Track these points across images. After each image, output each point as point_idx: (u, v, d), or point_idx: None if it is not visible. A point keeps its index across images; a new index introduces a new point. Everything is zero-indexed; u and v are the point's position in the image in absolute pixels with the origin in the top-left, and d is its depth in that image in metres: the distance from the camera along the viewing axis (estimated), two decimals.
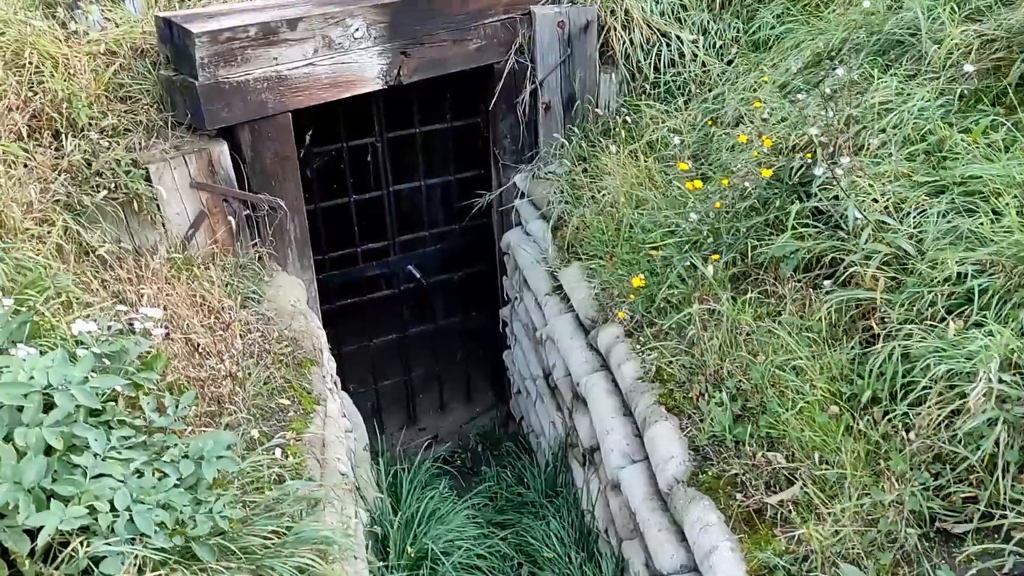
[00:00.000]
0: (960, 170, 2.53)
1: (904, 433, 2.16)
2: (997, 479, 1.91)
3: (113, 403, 2.10)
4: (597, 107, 4.34)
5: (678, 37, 4.18)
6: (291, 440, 2.63)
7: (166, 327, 2.74)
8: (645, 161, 3.82)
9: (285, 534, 2.13)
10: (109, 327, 2.41)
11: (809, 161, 2.74)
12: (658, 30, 4.20)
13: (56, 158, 3.13)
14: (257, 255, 3.58)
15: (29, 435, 1.79)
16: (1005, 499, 1.91)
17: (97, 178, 3.12)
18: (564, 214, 4.02)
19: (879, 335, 2.36)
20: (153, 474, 1.93)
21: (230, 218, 3.48)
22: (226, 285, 3.22)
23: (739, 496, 2.34)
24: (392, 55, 3.82)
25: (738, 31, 4.19)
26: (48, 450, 1.81)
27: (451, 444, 5.43)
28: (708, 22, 4.22)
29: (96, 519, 1.75)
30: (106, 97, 3.37)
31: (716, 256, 2.98)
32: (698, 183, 3.20)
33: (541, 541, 3.61)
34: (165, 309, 2.83)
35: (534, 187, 4.41)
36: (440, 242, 5.14)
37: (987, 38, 2.88)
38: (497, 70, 4.26)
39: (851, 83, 2.99)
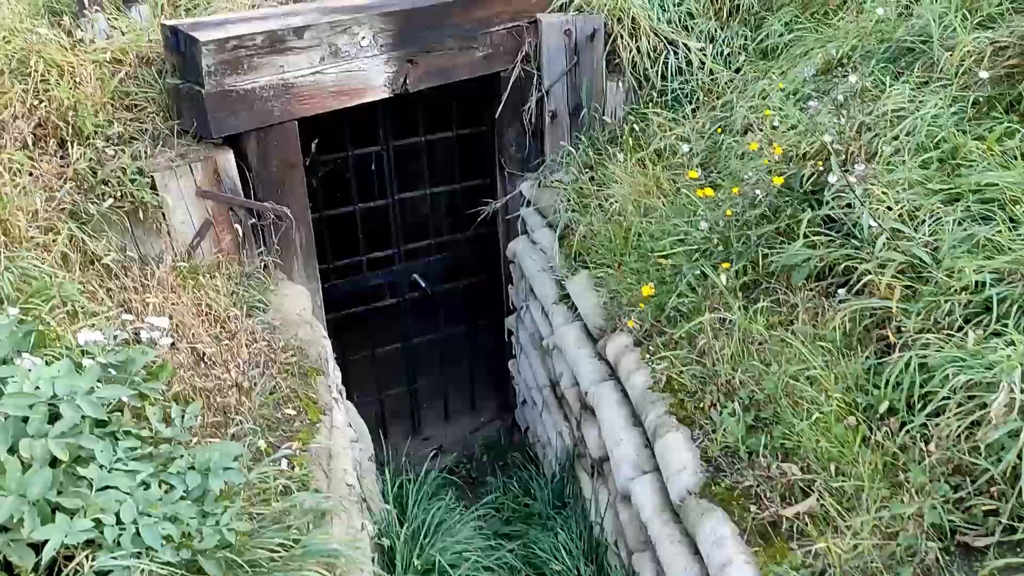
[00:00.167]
0: (975, 177, 2.51)
1: (923, 444, 2.12)
2: (1020, 491, 1.87)
3: (119, 414, 2.07)
4: (604, 115, 4.32)
5: (685, 45, 4.16)
6: (297, 451, 2.60)
7: (172, 336, 2.71)
8: (653, 169, 3.80)
9: (292, 547, 2.09)
10: (115, 336, 2.38)
11: (821, 169, 2.72)
12: (665, 38, 4.19)
13: (62, 166, 3.12)
14: (263, 264, 3.56)
15: (34, 446, 1.76)
16: None
17: (103, 186, 3.11)
18: (571, 222, 4.00)
19: (895, 345, 2.32)
20: (159, 486, 1.90)
21: (236, 226, 3.46)
22: (232, 294, 3.20)
23: (753, 508, 2.30)
24: (399, 63, 3.81)
25: (746, 39, 4.17)
26: (53, 462, 1.78)
27: (456, 454, 5.39)
28: (715, 30, 4.20)
29: (102, 532, 1.71)
30: (112, 105, 3.36)
31: (727, 264, 2.95)
32: (709, 191, 3.17)
33: (549, 553, 3.56)
34: (171, 318, 2.80)
35: (540, 195, 4.39)
36: (445, 251, 5.12)
37: (1000, 45, 2.86)
38: (503, 78, 4.25)
39: (863, 90, 2.97)
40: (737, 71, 4.09)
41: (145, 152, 3.29)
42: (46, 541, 1.64)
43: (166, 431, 2.11)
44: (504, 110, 4.33)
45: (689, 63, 4.15)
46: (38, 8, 3.90)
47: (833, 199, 2.67)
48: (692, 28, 4.23)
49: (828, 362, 2.46)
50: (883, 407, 2.25)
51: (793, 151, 2.95)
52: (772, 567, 2.13)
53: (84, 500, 1.74)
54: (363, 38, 3.66)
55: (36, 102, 3.18)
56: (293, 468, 2.48)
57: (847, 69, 3.30)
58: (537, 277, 4.19)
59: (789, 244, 2.77)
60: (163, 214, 3.24)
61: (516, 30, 4.17)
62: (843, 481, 2.18)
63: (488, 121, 4.52)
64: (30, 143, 3.12)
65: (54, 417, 1.84)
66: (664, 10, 4.22)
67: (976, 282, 2.24)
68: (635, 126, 4.14)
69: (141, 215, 3.18)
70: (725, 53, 4.17)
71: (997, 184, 2.45)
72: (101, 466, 1.83)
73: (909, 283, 2.40)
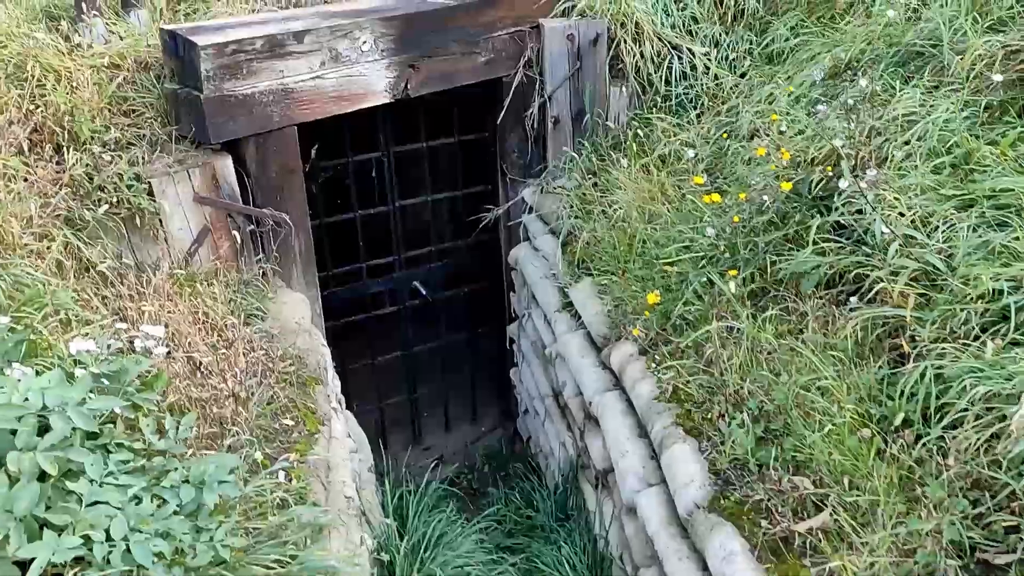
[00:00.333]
0: (990, 183, 2.45)
1: (940, 458, 2.05)
2: None
3: (111, 425, 2.01)
4: (607, 120, 4.27)
5: (689, 50, 4.12)
6: (295, 463, 2.53)
7: (167, 345, 2.65)
8: (657, 175, 3.74)
9: (289, 563, 2.03)
10: (109, 345, 2.32)
11: (831, 174, 2.66)
12: (669, 43, 4.14)
13: (57, 172, 3.07)
14: (261, 271, 3.50)
15: (22, 460, 1.70)
16: None
17: (99, 192, 3.06)
18: (574, 229, 3.94)
19: (909, 354, 2.26)
20: (152, 500, 1.84)
21: (234, 233, 3.40)
22: (229, 302, 3.14)
23: (764, 523, 2.23)
24: (400, 68, 3.77)
25: (751, 44, 4.13)
26: (42, 476, 1.72)
27: (457, 464, 5.33)
28: (720, 35, 4.16)
29: (91, 550, 1.65)
30: (109, 111, 3.31)
31: (734, 272, 2.89)
32: (715, 197, 3.12)
33: (552, 567, 3.49)
34: (167, 327, 2.74)
35: (543, 202, 4.34)
36: (446, 258, 5.06)
37: (1011, 49, 2.81)
38: (506, 84, 4.20)
39: (873, 94, 2.92)
40: (742, 76, 4.05)
41: (142, 158, 3.23)
42: (33, 559, 1.58)
43: (160, 443, 2.05)
44: (506, 115, 4.28)
45: (693, 68, 4.11)
46: (36, 13, 3.87)
47: (843, 205, 2.61)
48: (696, 33, 4.19)
49: (840, 372, 2.40)
50: (898, 419, 2.18)
51: (801, 156, 2.90)
52: None
53: (73, 516, 1.68)
54: (364, 43, 3.62)
55: (32, 107, 3.14)
56: (290, 480, 2.42)
57: (855, 73, 3.25)
58: (539, 284, 4.13)
59: (798, 251, 2.72)
60: (160, 221, 3.19)
61: (519, 35, 4.12)
62: (857, 495, 2.11)
63: (490, 127, 4.47)
64: (26, 148, 3.07)
65: (43, 429, 1.78)
66: (668, 15, 4.18)
67: (992, 290, 2.18)
68: (639, 131, 4.10)
69: (138, 222, 3.13)
70: (730, 58, 4.13)
71: (1012, 189, 2.39)
72: (91, 480, 1.77)
73: (923, 291, 2.34)
